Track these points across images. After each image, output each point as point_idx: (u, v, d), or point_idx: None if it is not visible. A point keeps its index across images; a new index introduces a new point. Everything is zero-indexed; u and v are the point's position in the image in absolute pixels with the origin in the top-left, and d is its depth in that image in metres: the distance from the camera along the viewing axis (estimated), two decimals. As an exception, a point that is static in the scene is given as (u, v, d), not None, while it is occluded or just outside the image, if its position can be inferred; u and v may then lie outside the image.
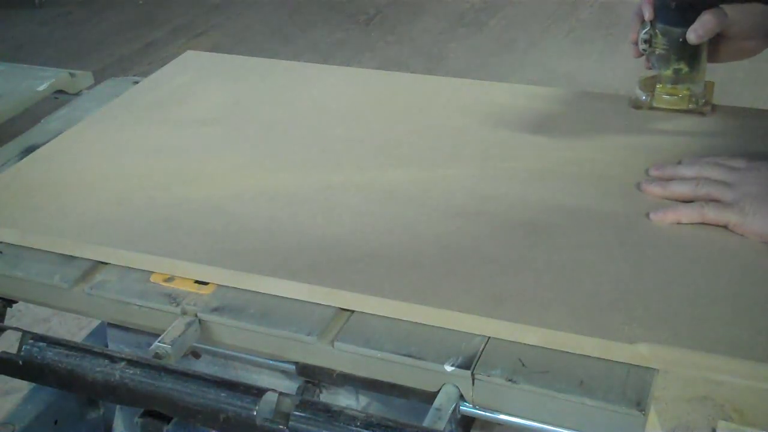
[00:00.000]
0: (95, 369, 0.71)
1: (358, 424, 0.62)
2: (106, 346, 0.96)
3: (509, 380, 0.66)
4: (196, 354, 0.89)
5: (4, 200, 0.92)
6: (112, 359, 0.71)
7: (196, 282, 0.79)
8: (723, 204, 0.81)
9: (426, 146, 0.98)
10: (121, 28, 4.02)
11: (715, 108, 1.01)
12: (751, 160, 0.86)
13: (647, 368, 0.66)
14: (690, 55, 0.98)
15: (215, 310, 0.76)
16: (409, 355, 0.69)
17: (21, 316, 1.90)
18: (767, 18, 0.96)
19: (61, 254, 0.84)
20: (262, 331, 0.74)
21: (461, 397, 0.68)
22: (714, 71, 1.00)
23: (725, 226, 0.80)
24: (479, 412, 0.69)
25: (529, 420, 0.67)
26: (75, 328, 1.98)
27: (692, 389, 0.64)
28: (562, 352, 0.68)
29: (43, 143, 1.04)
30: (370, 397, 0.83)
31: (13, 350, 0.74)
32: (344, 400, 0.84)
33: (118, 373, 0.70)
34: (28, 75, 1.24)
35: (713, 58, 0.99)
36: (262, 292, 0.77)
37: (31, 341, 0.73)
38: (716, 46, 0.98)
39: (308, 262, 0.79)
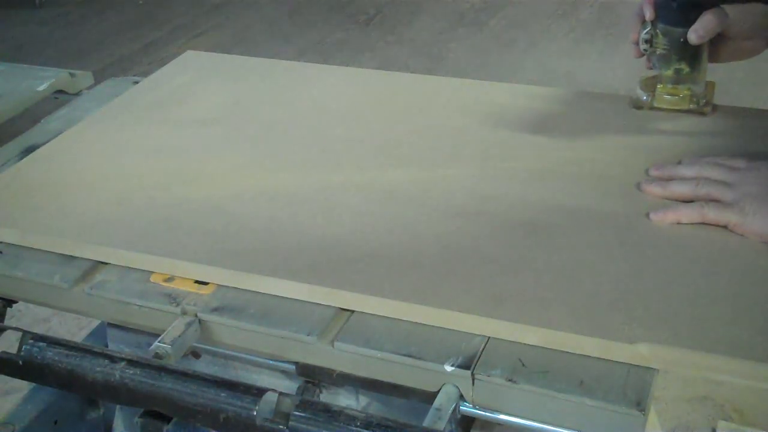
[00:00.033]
0: (95, 369, 0.71)
1: (358, 424, 0.62)
2: (106, 346, 0.96)
3: (509, 380, 0.66)
4: (196, 354, 0.89)
5: (4, 200, 0.92)
6: (112, 359, 0.71)
7: (196, 282, 0.79)
8: (723, 204, 0.81)
9: (426, 146, 0.98)
10: (121, 28, 4.02)
11: (715, 108, 1.01)
12: (751, 160, 0.86)
13: (647, 368, 0.66)
14: (691, 55, 0.98)
15: (215, 310, 0.76)
16: (409, 355, 0.69)
17: (21, 316, 1.90)
18: (767, 18, 0.96)
19: (61, 254, 0.84)
20: (262, 331, 0.74)
21: (461, 397, 0.68)
22: (714, 71, 1.00)
23: (725, 226, 0.80)
24: (479, 412, 0.69)
25: (529, 420, 0.67)
26: (75, 328, 1.98)
27: (692, 389, 0.64)
28: (562, 352, 0.68)
29: (43, 143, 1.04)
30: (370, 397, 0.82)
31: (13, 350, 0.74)
32: (344, 400, 0.83)
33: (118, 373, 0.70)
34: (28, 75, 1.24)
35: (713, 58, 0.99)
36: (262, 292, 0.77)
37: (31, 341, 0.73)
38: (716, 46, 0.98)
39: (308, 262, 0.79)
